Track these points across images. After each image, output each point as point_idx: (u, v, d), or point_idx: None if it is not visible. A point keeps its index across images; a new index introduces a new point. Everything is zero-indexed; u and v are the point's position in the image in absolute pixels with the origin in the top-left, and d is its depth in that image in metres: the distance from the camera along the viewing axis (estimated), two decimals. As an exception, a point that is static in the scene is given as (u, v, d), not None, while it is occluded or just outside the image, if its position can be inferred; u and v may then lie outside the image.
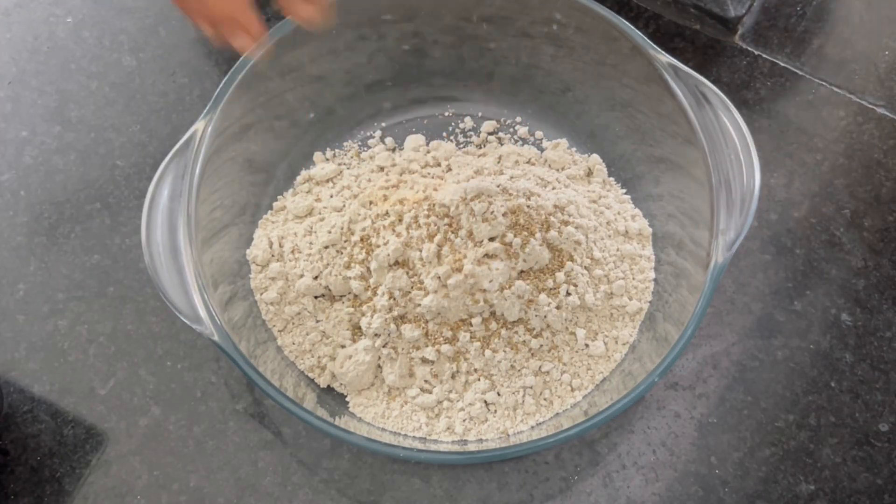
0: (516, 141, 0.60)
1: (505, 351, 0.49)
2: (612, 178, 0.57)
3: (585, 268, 0.50)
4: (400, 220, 0.49)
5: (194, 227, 0.45)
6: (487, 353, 0.48)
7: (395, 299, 0.48)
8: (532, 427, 0.47)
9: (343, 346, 0.50)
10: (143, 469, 0.48)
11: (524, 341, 0.49)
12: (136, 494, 0.48)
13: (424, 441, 0.46)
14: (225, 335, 0.42)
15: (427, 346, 0.49)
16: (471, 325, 0.49)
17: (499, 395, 0.48)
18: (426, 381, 0.49)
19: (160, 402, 0.50)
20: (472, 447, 0.45)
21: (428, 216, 0.48)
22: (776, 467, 0.49)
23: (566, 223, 0.50)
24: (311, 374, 0.49)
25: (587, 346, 0.50)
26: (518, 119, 0.61)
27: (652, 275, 0.52)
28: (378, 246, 0.49)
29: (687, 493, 0.48)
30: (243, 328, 0.47)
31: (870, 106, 0.61)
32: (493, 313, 0.49)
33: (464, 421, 0.47)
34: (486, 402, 0.48)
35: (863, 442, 0.50)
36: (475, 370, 0.49)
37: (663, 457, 0.49)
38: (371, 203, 0.51)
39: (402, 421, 0.48)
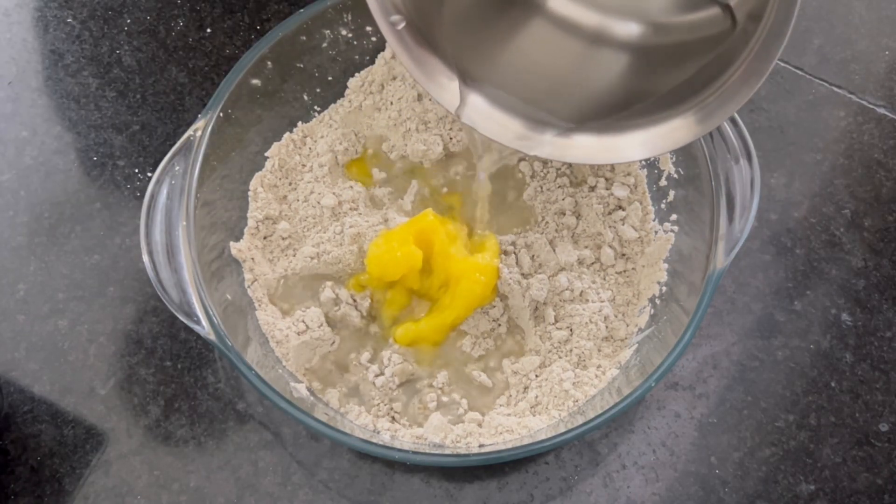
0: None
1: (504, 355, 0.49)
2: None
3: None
4: None
5: (193, 227, 0.45)
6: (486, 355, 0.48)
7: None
8: (531, 429, 0.47)
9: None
10: (143, 469, 0.48)
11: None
12: (136, 494, 0.48)
13: (422, 443, 0.46)
14: (222, 335, 0.42)
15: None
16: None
17: (497, 396, 0.48)
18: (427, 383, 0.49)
19: (160, 402, 0.50)
20: (470, 449, 0.45)
21: None
22: (776, 467, 0.49)
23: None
24: (307, 374, 0.49)
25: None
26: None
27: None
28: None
29: (687, 493, 0.48)
30: (243, 328, 0.47)
31: (870, 106, 0.61)
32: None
33: (463, 423, 0.47)
34: (485, 403, 0.48)
35: (863, 442, 0.50)
36: (474, 372, 0.49)
37: (663, 457, 0.49)
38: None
39: (401, 424, 0.48)
